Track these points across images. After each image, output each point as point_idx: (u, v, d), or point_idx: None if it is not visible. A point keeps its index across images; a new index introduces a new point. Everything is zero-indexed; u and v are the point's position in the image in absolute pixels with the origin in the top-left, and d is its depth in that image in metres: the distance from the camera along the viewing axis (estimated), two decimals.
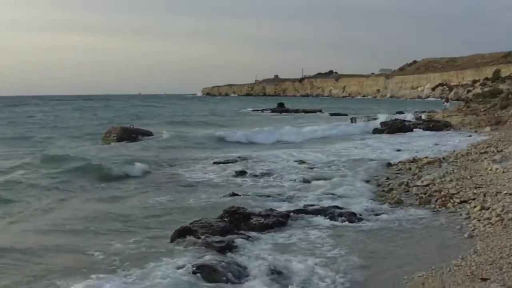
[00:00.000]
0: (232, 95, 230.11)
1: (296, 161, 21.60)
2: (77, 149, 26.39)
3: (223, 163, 21.41)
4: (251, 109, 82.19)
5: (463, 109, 52.39)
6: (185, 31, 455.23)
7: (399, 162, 20.68)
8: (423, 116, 49.88)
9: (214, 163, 21.54)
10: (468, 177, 15.78)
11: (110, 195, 15.64)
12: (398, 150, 24.80)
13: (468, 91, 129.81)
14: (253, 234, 11.04)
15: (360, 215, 12.37)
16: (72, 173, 18.20)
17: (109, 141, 30.50)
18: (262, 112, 75.86)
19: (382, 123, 40.98)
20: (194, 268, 8.42)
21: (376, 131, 37.90)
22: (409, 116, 49.14)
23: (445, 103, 67.70)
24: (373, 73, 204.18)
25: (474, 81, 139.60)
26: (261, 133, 34.31)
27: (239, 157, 23.06)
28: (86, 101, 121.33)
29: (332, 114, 66.90)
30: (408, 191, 15.11)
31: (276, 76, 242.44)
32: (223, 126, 45.65)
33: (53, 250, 10.20)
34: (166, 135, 33.27)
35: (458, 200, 13.16)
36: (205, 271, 8.36)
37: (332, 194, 14.78)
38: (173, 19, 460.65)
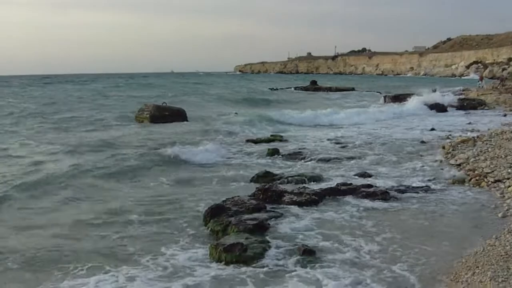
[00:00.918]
0: (265, 73, 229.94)
1: (329, 139, 21.61)
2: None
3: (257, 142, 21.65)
4: (286, 87, 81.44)
5: (498, 87, 51.82)
6: (217, 7, 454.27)
7: (433, 140, 20.61)
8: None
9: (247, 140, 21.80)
10: (503, 156, 15.60)
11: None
12: (432, 129, 24.59)
13: (503, 69, 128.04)
14: (285, 212, 11.10)
15: (392, 193, 12.33)
16: None
17: (141, 119, 30.61)
18: (295, 90, 75.39)
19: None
20: (226, 247, 8.47)
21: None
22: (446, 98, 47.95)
23: (480, 82, 66.89)
24: (406, 51, 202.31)
25: (510, 59, 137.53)
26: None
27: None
28: (125, 79, 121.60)
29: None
30: (441, 169, 15.04)
31: (309, 54, 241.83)
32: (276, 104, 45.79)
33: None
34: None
35: (492, 179, 13.05)
36: (237, 250, 8.41)
37: (365, 172, 14.74)
38: None
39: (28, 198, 12.53)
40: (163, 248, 9.03)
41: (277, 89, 75.38)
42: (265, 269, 8.12)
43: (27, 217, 11.17)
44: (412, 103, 38.43)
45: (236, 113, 35.47)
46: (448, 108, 37.26)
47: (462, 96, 37.81)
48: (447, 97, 39.65)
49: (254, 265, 8.23)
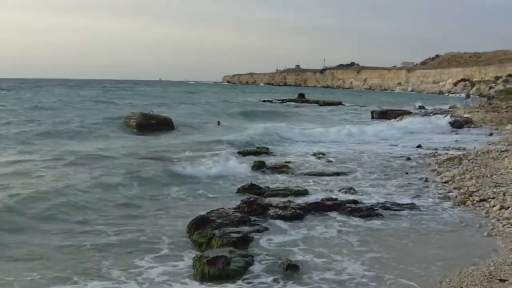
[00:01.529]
0: (253, 84, 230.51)
1: (314, 154, 21.56)
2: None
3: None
4: (272, 99, 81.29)
5: (485, 105, 52.05)
6: (206, 17, 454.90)
7: (419, 157, 20.66)
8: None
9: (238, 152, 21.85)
10: (488, 175, 15.67)
11: None
12: (419, 146, 24.61)
13: (491, 87, 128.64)
14: (270, 225, 11.05)
15: (377, 210, 12.31)
16: None
17: (129, 126, 30.60)
18: (283, 102, 75.42)
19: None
20: (210, 260, 8.41)
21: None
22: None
23: (467, 99, 67.19)
24: (394, 66, 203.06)
25: (497, 78, 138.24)
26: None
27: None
28: (115, 85, 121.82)
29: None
30: (427, 187, 15.05)
31: (298, 66, 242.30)
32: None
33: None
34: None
35: (477, 198, 13.06)
36: (220, 263, 8.35)
37: (350, 188, 14.69)
38: (196, 5, 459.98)
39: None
40: (143, 261, 8.96)
41: (265, 101, 75.51)
42: (248, 286, 8.07)
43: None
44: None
45: (218, 122, 35.63)
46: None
47: (452, 119, 37.34)
48: (440, 121, 38.72)
49: (237, 281, 8.16)
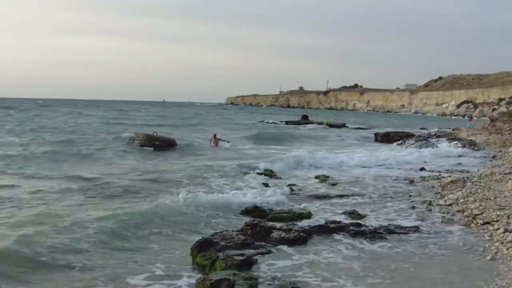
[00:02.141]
0: (256, 105, 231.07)
1: (317, 177, 21.51)
2: None
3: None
4: (277, 121, 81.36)
5: (488, 127, 52.02)
6: (211, 38, 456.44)
7: (422, 179, 20.64)
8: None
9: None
10: (492, 198, 15.64)
11: None
12: (422, 169, 24.60)
13: (494, 109, 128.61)
14: (273, 248, 11.05)
15: (382, 233, 12.30)
16: None
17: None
18: (287, 123, 75.53)
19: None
20: (213, 282, 8.39)
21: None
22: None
23: (470, 121, 67.18)
24: (398, 88, 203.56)
25: (500, 100, 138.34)
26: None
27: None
28: (125, 105, 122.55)
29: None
30: (430, 210, 15.03)
31: (301, 88, 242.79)
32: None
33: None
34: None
35: (481, 221, 13.04)
36: (224, 286, 8.34)
37: (354, 210, 14.68)
38: (200, 26, 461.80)
39: None
40: (143, 282, 8.96)
41: (268, 123, 75.73)
42: None
43: None
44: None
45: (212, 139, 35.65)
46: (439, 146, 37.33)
47: (464, 149, 36.50)
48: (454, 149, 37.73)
49: None
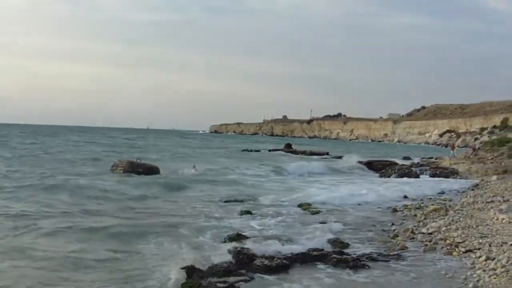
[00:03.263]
0: (240, 133, 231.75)
1: (300, 205, 21.47)
2: None
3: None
4: (259, 149, 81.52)
5: (471, 156, 52.33)
6: (194, 66, 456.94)
7: (405, 208, 20.69)
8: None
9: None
10: (474, 226, 15.72)
11: None
12: (405, 197, 24.70)
13: (476, 138, 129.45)
14: (256, 276, 11.03)
15: (364, 261, 12.31)
16: None
17: (116, 173, 30.81)
18: (270, 152, 75.56)
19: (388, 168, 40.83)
20: None
21: (382, 175, 37.94)
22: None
23: (452, 151, 67.56)
24: (381, 117, 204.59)
25: (482, 129, 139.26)
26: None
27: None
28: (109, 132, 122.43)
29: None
30: (413, 238, 15.06)
31: (285, 117, 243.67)
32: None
33: None
34: None
35: (463, 249, 13.09)
36: None
37: (336, 239, 14.66)
38: (182, 53, 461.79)
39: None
40: None
41: (251, 151, 75.81)
42: None
43: None
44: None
45: (194, 166, 35.73)
46: (421, 176, 37.49)
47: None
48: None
49: None
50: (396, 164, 45.78)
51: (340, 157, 61.91)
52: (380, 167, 43.36)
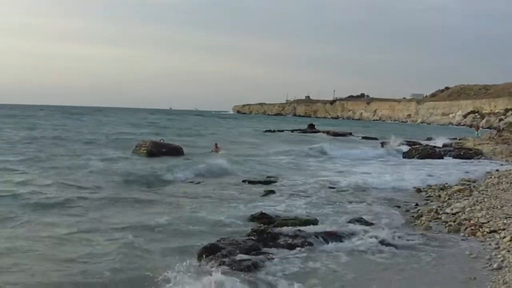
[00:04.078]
0: (263, 114, 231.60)
1: (325, 182, 21.54)
2: None
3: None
4: (282, 129, 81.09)
5: (495, 137, 51.93)
6: (218, 47, 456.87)
7: (429, 188, 20.61)
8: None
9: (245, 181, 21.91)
10: (499, 207, 15.61)
11: None
12: (429, 175, 24.59)
13: (500, 119, 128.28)
14: (280, 254, 11.06)
15: (388, 241, 12.29)
16: None
17: (139, 154, 30.69)
18: (292, 132, 75.36)
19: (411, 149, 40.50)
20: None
21: (406, 155, 37.69)
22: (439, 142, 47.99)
23: (476, 131, 67.10)
24: (404, 98, 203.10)
25: (507, 110, 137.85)
26: None
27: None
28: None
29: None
30: (437, 218, 15.01)
31: (307, 97, 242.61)
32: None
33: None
34: None
35: (487, 230, 13.03)
36: None
37: (360, 218, 14.66)
38: (207, 34, 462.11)
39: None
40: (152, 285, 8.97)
41: (274, 131, 75.62)
42: None
43: None
44: None
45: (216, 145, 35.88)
46: (445, 157, 37.23)
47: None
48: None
49: None
50: (420, 144, 45.50)
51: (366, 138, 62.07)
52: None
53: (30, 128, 56.02)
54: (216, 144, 36.27)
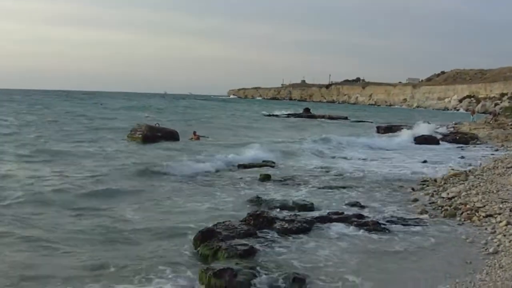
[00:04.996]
0: (258, 98, 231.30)
1: (321, 168, 21.55)
2: None
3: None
4: (279, 113, 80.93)
5: (491, 122, 52.02)
6: (212, 31, 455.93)
7: (425, 173, 20.62)
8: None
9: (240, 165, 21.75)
10: (494, 191, 15.59)
11: None
12: (424, 162, 24.61)
13: (496, 104, 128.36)
14: (276, 238, 11.06)
15: (384, 225, 12.31)
16: None
17: (134, 139, 30.36)
18: (288, 117, 75.27)
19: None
20: (216, 272, 8.40)
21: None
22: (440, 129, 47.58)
23: (472, 116, 67.18)
24: (400, 82, 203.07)
25: (502, 94, 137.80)
26: None
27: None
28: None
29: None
30: (433, 202, 15.03)
31: (303, 81, 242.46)
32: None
33: None
34: None
35: (483, 214, 13.02)
36: (226, 275, 8.34)
37: (356, 202, 14.70)
38: (201, 18, 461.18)
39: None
40: (149, 273, 8.97)
41: (270, 115, 75.73)
42: None
43: None
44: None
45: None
46: (440, 142, 37.26)
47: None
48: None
49: None
50: None
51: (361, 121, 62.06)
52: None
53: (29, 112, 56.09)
54: (194, 132, 34.54)
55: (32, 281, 8.53)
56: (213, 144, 30.00)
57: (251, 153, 24.67)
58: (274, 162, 22.83)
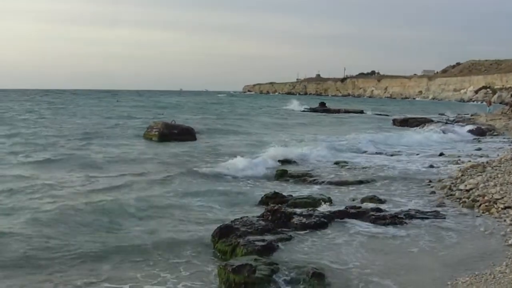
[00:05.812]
0: (275, 93, 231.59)
1: (336, 162, 21.56)
2: None
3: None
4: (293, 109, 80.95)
5: (507, 113, 51.70)
6: (225, 26, 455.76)
7: (442, 165, 20.54)
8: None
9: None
10: None
11: None
12: (441, 154, 24.50)
13: None
14: (294, 234, 11.06)
15: (402, 218, 12.28)
16: None
17: (150, 137, 30.42)
18: (304, 111, 75.13)
19: None
20: (235, 268, 8.41)
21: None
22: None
23: (489, 107, 66.84)
24: (415, 74, 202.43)
25: None
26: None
27: None
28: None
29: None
30: (451, 194, 14.96)
31: (318, 75, 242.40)
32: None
33: None
34: None
35: (502, 206, 12.94)
36: (245, 271, 8.35)
37: (374, 196, 14.66)
38: (215, 15, 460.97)
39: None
40: (167, 269, 9.04)
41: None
42: None
43: None
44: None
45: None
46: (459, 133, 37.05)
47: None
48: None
49: None
50: (431, 121, 45.34)
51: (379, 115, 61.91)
52: (416, 124, 43.01)
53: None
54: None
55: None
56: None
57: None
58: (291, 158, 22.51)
